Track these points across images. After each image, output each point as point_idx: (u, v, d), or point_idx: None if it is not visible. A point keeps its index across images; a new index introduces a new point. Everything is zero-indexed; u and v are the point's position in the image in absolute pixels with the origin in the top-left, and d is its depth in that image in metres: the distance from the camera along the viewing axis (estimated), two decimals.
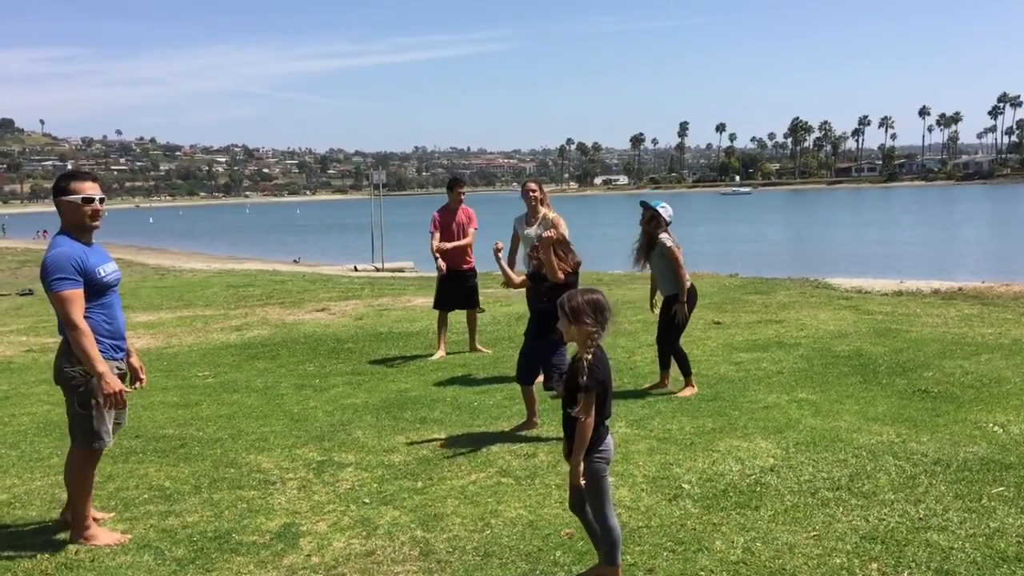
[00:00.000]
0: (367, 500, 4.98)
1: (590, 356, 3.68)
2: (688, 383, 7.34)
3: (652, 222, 7.39)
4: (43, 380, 8.89)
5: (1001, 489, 4.76)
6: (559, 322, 3.80)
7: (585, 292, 3.79)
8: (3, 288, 20.92)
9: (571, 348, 6.33)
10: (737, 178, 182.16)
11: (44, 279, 4.28)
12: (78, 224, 4.41)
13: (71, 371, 4.35)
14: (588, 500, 3.74)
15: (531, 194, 8.21)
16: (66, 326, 4.25)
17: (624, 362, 8.61)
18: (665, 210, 7.39)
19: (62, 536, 4.55)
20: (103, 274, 4.41)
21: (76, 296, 4.25)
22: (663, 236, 7.32)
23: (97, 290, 4.40)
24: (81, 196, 4.37)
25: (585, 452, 3.66)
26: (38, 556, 4.30)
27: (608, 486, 3.78)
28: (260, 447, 6.16)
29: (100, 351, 4.31)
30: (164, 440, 6.41)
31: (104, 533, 4.54)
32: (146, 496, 5.19)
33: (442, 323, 9.66)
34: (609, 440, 3.79)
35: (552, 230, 6.69)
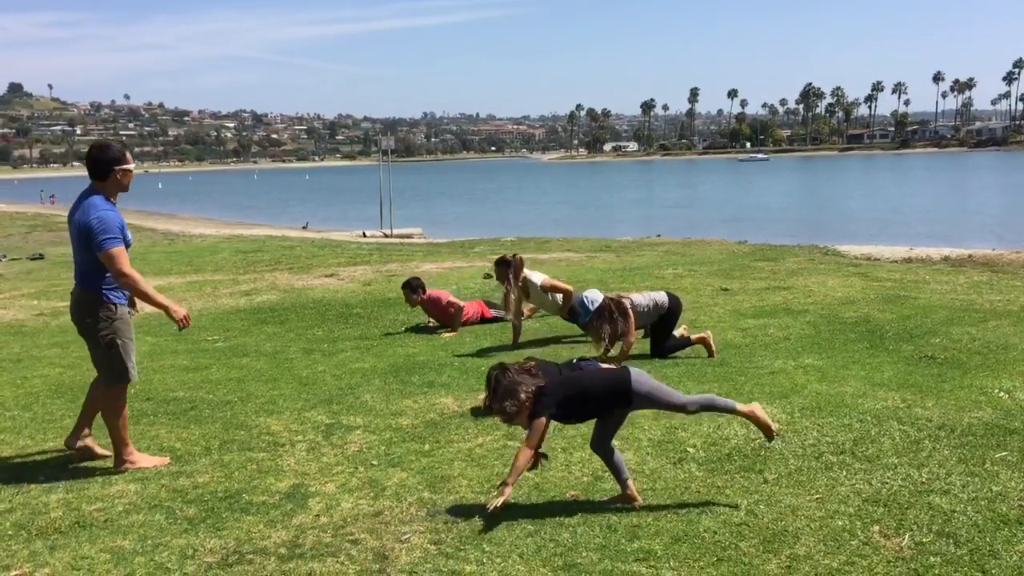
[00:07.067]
0: (375, 462, 5.04)
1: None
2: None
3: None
4: (54, 343, 8.98)
5: (1005, 454, 4.78)
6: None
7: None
8: (14, 252, 21.03)
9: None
10: (748, 144, 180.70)
11: (93, 238, 4.77)
12: (121, 190, 5.03)
13: (91, 321, 4.89)
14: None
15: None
16: (121, 277, 4.82)
17: None
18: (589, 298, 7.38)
19: (73, 496, 4.63)
20: (129, 236, 5.00)
21: (123, 252, 4.85)
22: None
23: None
24: (131, 166, 5.04)
25: None
26: (51, 515, 4.38)
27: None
28: (269, 410, 6.22)
29: (120, 298, 4.94)
30: (175, 403, 6.49)
31: (145, 457, 5.12)
32: None
33: None
34: None
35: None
